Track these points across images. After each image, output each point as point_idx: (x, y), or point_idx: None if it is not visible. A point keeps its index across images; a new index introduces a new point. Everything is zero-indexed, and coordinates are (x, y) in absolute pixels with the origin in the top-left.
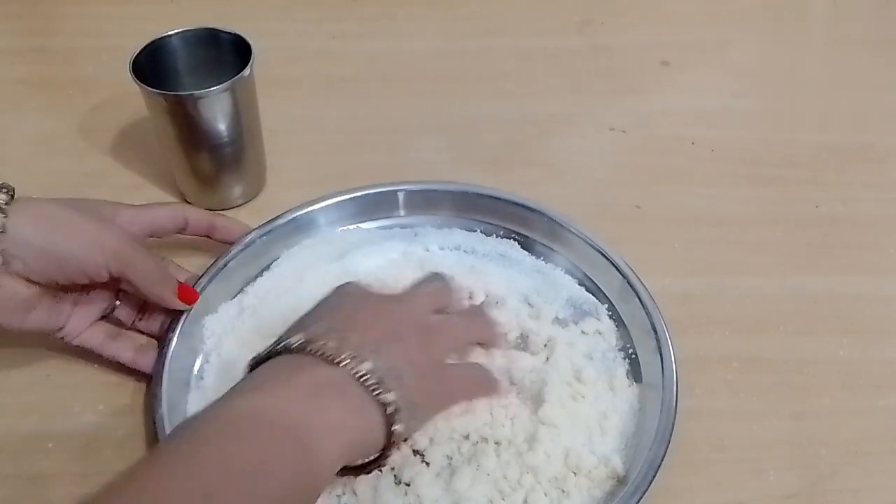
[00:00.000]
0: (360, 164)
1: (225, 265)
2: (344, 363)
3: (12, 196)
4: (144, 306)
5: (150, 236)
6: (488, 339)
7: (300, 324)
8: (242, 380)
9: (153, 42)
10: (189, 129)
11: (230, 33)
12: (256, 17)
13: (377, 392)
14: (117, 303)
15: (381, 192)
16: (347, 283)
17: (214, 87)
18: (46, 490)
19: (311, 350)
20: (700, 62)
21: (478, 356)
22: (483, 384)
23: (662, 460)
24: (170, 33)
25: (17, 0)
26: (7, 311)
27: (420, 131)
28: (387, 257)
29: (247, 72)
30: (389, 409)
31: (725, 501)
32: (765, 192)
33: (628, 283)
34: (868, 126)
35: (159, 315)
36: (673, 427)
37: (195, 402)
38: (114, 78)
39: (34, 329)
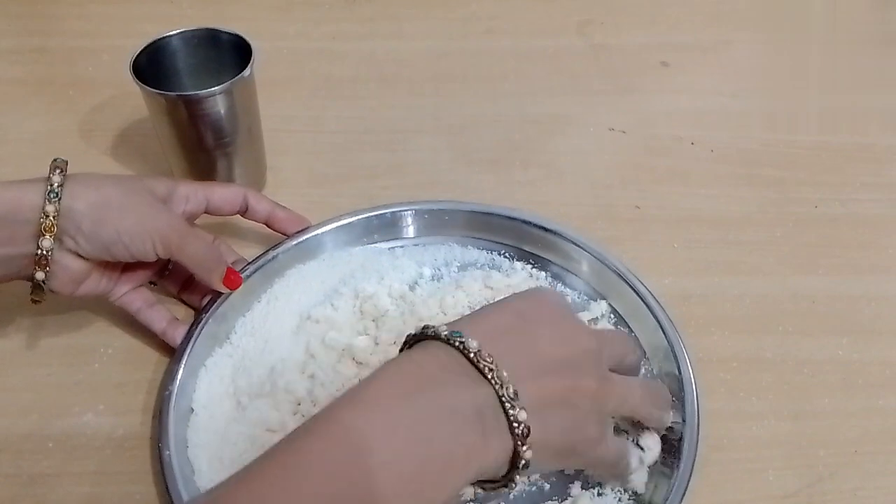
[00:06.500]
0: (360, 164)
1: (274, 257)
2: (497, 387)
3: (65, 174)
4: (189, 279)
5: (207, 213)
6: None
7: (480, 318)
8: (390, 367)
9: (153, 42)
10: (189, 130)
11: (230, 34)
12: (256, 17)
13: (516, 429)
14: (166, 272)
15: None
16: (541, 290)
17: (214, 88)
18: (46, 490)
19: (477, 362)
20: (699, 63)
21: None
22: (620, 470)
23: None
24: (170, 34)
25: (17, 0)
26: (61, 282)
27: (420, 131)
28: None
29: (247, 72)
30: (523, 457)
31: (724, 501)
32: (764, 193)
33: (666, 338)
34: (868, 126)
35: (202, 290)
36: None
37: (204, 388)
38: (114, 78)
39: (85, 296)
